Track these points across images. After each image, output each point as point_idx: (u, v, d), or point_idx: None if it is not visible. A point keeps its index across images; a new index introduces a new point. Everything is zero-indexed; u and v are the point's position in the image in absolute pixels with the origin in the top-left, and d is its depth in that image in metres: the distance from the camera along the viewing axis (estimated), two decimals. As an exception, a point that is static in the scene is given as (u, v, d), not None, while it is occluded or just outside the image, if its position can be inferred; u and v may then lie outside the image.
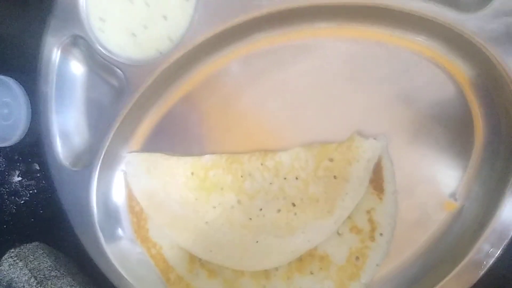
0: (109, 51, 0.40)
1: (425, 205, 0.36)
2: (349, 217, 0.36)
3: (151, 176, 0.40)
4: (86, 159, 0.42)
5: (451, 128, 0.35)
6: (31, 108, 0.46)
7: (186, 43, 0.38)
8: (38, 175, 0.47)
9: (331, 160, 0.36)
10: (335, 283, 0.36)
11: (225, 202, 0.38)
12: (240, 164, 0.38)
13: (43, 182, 0.47)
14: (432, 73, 0.35)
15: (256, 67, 0.39)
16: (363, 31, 0.36)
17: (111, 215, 0.42)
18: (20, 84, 0.46)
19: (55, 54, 0.41)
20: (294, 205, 0.37)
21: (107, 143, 0.40)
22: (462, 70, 0.34)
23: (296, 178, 0.37)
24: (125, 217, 0.42)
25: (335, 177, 0.36)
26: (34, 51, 0.42)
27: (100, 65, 0.41)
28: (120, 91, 0.41)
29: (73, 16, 0.40)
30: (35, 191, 0.47)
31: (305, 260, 0.37)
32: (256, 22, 0.37)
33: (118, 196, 0.42)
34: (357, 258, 0.36)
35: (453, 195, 0.35)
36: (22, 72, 0.46)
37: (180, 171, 0.39)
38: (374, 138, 0.36)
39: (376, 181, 0.36)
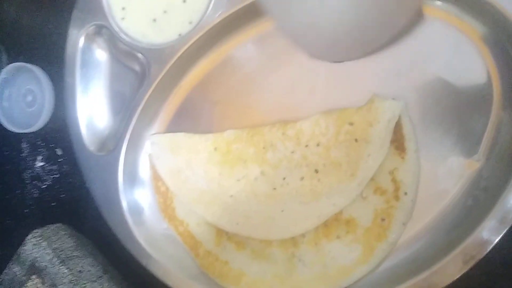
0: (131, 38, 0.43)
1: (446, 166, 0.37)
2: (372, 179, 0.37)
3: (175, 154, 0.42)
4: (111, 143, 0.44)
5: (468, 88, 0.36)
6: (55, 95, 0.48)
7: (205, 25, 0.40)
8: (61, 160, 0.49)
9: (351, 124, 0.38)
10: (362, 245, 0.37)
11: (248, 174, 0.39)
12: (262, 135, 0.40)
13: (65, 166, 0.49)
14: (444, 34, 0.36)
15: (273, 43, 0.41)
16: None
17: (137, 196, 0.44)
18: (45, 72, 0.48)
19: (79, 43, 0.44)
20: (317, 171, 0.38)
21: (131, 127, 0.42)
22: (474, 28, 0.36)
23: (318, 145, 0.38)
24: (151, 197, 0.44)
25: (356, 140, 0.37)
26: (59, 40, 0.45)
27: (123, 52, 0.44)
28: (142, 76, 0.43)
29: (95, 6, 0.43)
30: (57, 175, 0.49)
31: (331, 225, 0.38)
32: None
33: (144, 177, 0.44)
34: (383, 219, 0.37)
35: (474, 155, 0.36)
36: (47, 61, 0.48)
37: (203, 147, 0.41)
38: (393, 99, 0.37)
39: (397, 140, 0.37)
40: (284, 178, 0.39)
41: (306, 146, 0.38)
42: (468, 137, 0.36)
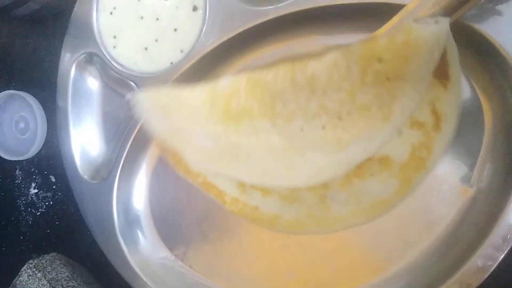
0: (122, 66, 0.43)
1: (440, 193, 0.36)
2: None
3: (168, 115, 0.37)
4: (105, 171, 0.44)
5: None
6: (47, 123, 0.48)
7: (197, 53, 0.40)
8: (54, 187, 0.49)
9: (380, 60, 0.30)
10: (399, 179, 0.33)
11: (259, 129, 0.34)
12: (265, 87, 0.33)
13: (59, 194, 0.49)
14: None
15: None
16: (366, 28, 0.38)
17: (132, 223, 0.44)
18: (37, 99, 0.49)
19: (71, 71, 0.44)
20: (340, 119, 0.32)
21: (125, 155, 0.43)
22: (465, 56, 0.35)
23: (339, 91, 0.32)
24: (146, 225, 0.44)
25: (388, 78, 0.30)
26: (50, 66, 0.45)
27: (115, 79, 0.44)
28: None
29: (87, 34, 0.43)
30: (51, 202, 0.49)
31: (364, 166, 0.34)
32: (262, 28, 0.39)
33: (138, 205, 0.44)
34: (421, 151, 0.33)
35: (468, 181, 0.36)
36: (39, 87, 0.49)
37: (198, 104, 0.36)
38: (436, 22, 0.30)
39: (439, 67, 0.31)
40: (301, 129, 0.33)
41: (324, 93, 0.32)
42: (461, 164, 0.37)
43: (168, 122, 0.37)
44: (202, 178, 0.38)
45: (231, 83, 0.35)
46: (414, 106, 0.31)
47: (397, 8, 0.33)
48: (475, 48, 0.34)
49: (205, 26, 0.40)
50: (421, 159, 0.33)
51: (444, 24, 0.30)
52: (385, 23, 0.36)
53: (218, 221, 0.41)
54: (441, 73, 0.31)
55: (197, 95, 0.36)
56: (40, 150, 0.49)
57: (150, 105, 0.38)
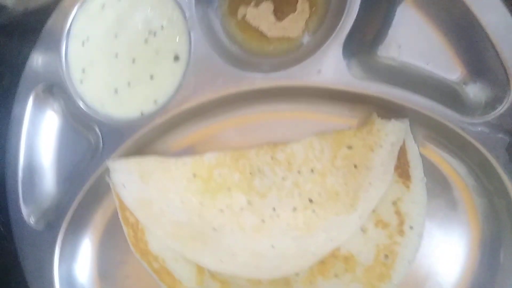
0: (87, 105, 0.39)
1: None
2: (373, 211, 0.34)
3: (146, 183, 0.37)
4: (52, 217, 0.40)
5: (448, 226, 0.36)
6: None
7: (172, 108, 0.37)
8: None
9: (349, 147, 0.34)
10: (364, 285, 0.33)
11: (233, 204, 0.36)
12: (248, 159, 0.36)
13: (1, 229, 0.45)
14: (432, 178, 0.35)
15: (242, 138, 0.38)
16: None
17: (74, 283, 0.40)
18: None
19: (29, 99, 0.40)
20: (311, 201, 0.34)
21: (76, 204, 0.39)
22: (462, 176, 0.35)
23: (312, 171, 0.35)
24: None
25: (355, 166, 0.34)
26: (10, 87, 0.40)
27: (77, 117, 0.40)
28: (96, 148, 0.39)
29: (52, 62, 0.39)
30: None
31: (328, 262, 0.34)
32: (245, 96, 0.36)
33: (84, 267, 0.40)
34: (386, 256, 0.34)
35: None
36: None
37: (179, 174, 0.37)
38: (396, 119, 0.34)
39: (401, 167, 0.34)
40: (274, 209, 0.35)
41: (299, 172, 0.35)
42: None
43: (144, 190, 0.37)
44: (159, 263, 0.37)
45: (218, 156, 0.37)
46: (378, 198, 0.34)
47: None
48: (473, 166, 0.32)
49: (185, 80, 0.36)
50: (385, 266, 0.34)
51: (404, 121, 0.34)
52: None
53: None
54: (403, 173, 0.34)
55: (181, 164, 0.37)
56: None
57: (130, 171, 0.37)
